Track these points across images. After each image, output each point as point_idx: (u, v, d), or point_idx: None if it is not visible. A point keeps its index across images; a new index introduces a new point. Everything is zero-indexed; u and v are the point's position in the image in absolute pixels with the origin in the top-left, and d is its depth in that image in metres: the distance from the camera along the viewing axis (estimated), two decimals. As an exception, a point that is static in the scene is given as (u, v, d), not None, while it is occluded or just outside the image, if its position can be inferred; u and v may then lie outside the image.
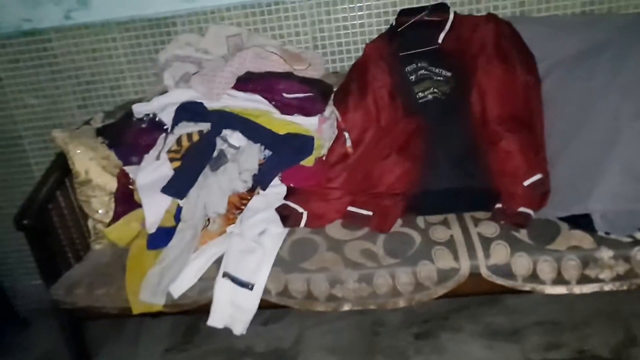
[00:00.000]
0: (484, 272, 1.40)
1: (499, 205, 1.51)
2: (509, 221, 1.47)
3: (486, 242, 1.43)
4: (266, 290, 1.46)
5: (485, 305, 1.94)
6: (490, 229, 1.46)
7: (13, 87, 2.05)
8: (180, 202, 1.58)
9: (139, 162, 1.67)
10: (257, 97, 1.65)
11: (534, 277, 1.39)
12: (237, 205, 1.60)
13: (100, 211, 1.71)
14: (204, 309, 1.48)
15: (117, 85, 2.01)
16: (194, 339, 2.01)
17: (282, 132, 1.64)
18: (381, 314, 1.94)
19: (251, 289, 1.45)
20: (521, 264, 1.39)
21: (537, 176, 1.49)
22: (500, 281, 1.40)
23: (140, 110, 1.69)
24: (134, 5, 1.89)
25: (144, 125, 1.69)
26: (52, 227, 1.62)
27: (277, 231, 1.53)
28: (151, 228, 1.57)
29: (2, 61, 2.01)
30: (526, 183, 1.49)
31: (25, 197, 2.07)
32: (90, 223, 1.73)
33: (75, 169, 1.67)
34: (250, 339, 1.92)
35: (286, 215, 1.56)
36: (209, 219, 1.59)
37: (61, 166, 1.71)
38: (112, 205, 1.70)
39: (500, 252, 1.40)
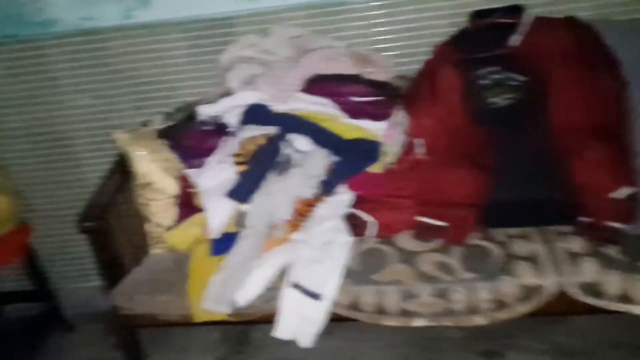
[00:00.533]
0: (572, 290, 1.31)
1: (584, 219, 1.42)
2: (595, 236, 1.38)
3: (573, 258, 1.34)
4: (335, 302, 1.39)
5: (551, 323, 1.84)
6: (576, 244, 1.38)
7: (68, 86, 2.02)
8: (245, 208, 1.53)
9: (200, 165, 1.62)
10: (325, 100, 1.60)
11: (626, 297, 1.30)
12: (303, 211, 1.54)
13: (160, 215, 1.66)
14: (269, 319, 1.42)
15: (174, 86, 1.97)
16: (244, 349, 1.95)
17: (349, 136, 1.58)
18: (440, 329, 1.86)
19: (320, 300, 1.38)
20: (613, 282, 1.29)
21: (626, 188, 1.40)
22: (589, 300, 1.31)
23: (204, 112, 1.65)
24: (194, 5, 1.85)
25: (207, 128, 1.64)
26: (112, 230, 1.57)
27: (345, 240, 1.47)
28: (215, 233, 1.52)
29: (59, 60, 1.98)
30: (613, 195, 1.40)
31: (75, 197, 2.08)
32: (148, 227, 1.69)
33: (136, 171, 1.63)
34: (302, 352, 1.84)
35: (354, 224, 1.50)
36: (273, 225, 1.53)
37: (122, 168, 1.67)
38: (173, 209, 1.66)
39: (589, 269, 1.31)
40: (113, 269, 1.56)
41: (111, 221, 1.58)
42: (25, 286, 2.16)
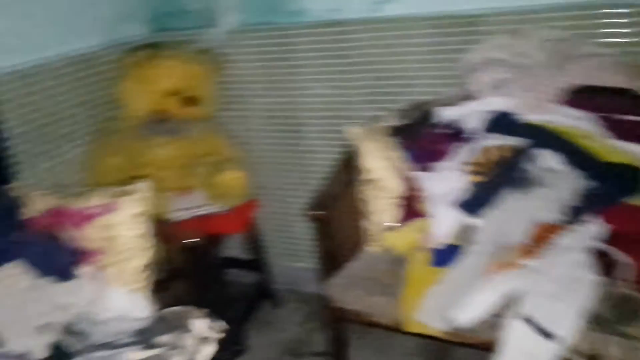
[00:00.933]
0: None
1: None
2: None
3: None
4: (570, 347, 1.21)
5: None
6: None
7: (307, 74, 2.11)
8: (474, 222, 1.42)
9: (431, 169, 1.55)
10: (586, 114, 1.40)
11: None
12: (541, 237, 1.37)
13: (381, 213, 1.64)
14: (486, 347, 1.30)
15: (409, 83, 1.93)
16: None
17: (609, 160, 1.36)
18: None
19: (553, 340, 1.22)
20: None
21: None
22: None
23: (443, 114, 1.57)
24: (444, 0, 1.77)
25: (443, 131, 1.56)
26: (335, 221, 1.59)
27: (591, 279, 1.27)
28: (438, 243, 1.44)
29: (302, 49, 2.07)
30: None
31: (299, 181, 2.16)
32: (367, 223, 1.68)
33: (364, 166, 1.63)
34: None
35: (604, 263, 1.29)
36: (504, 246, 1.39)
37: (349, 161, 1.68)
38: (394, 209, 1.62)
39: None
40: (331, 259, 1.58)
41: (334, 212, 1.60)
42: (245, 256, 2.35)
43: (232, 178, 1.96)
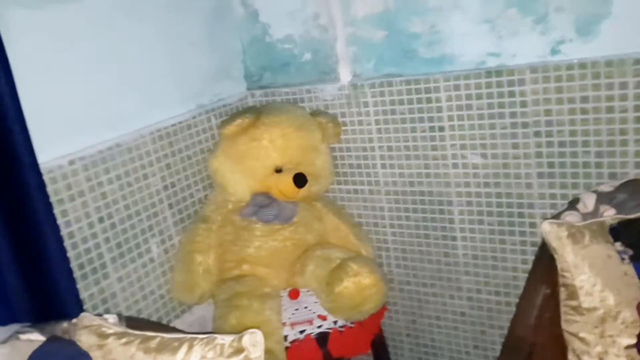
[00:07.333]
0: None
1: None
2: None
3: None
4: None
5: None
6: None
7: (450, 139, 1.57)
8: None
9: None
10: None
11: None
12: None
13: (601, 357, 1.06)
14: None
15: (613, 151, 1.36)
16: None
17: None
18: None
19: None
20: None
21: None
22: None
23: None
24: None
25: None
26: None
27: None
28: None
29: (445, 107, 1.55)
30: None
31: (441, 277, 1.64)
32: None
33: (573, 284, 1.07)
34: None
35: None
36: None
37: (549, 275, 1.13)
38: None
39: None
40: None
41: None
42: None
43: (360, 288, 1.44)
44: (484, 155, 1.54)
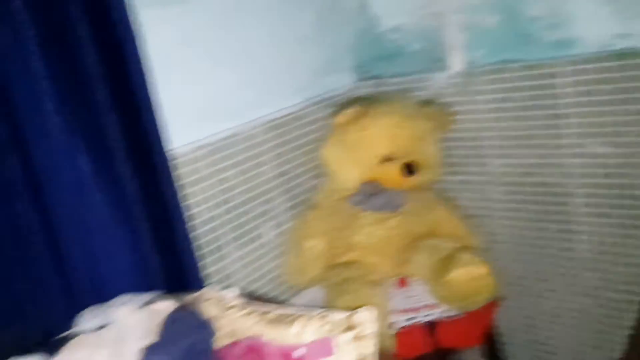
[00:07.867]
0: None
1: None
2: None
3: None
4: None
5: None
6: None
7: (571, 127, 1.49)
8: None
9: None
10: None
11: None
12: None
13: None
14: None
15: None
16: None
17: None
18: None
19: None
20: None
21: None
22: None
23: None
24: None
25: None
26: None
27: None
28: None
29: (566, 93, 1.47)
30: None
31: (559, 273, 1.57)
32: None
33: None
34: None
35: None
36: None
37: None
38: None
39: None
40: None
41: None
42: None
43: (472, 277, 1.41)
44: (609, 144, 1.44)
